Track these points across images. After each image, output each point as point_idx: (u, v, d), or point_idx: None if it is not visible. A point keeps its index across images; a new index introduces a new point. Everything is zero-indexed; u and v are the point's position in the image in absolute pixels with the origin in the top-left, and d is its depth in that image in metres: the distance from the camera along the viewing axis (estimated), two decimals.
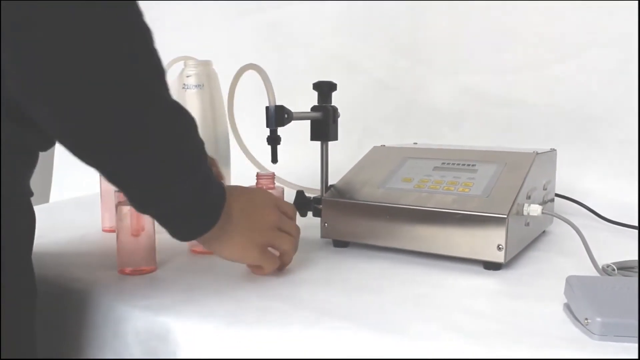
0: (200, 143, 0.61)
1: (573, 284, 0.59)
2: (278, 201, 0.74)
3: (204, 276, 0.73)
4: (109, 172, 0.55)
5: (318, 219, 0.88)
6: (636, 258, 0.78)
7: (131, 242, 0.73)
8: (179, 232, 0.62)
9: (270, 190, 0.83)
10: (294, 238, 0.73)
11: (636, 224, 1.01)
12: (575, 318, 0.57)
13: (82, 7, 0.46)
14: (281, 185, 0.86)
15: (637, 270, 0.75)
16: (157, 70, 0.54)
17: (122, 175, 0.55)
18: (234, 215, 0.66)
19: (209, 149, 1.08)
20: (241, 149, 1.01)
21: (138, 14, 0.50)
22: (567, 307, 0.60)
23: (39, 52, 0.45)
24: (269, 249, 0.71)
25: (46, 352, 0.72)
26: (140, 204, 0.59)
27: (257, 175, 0.85)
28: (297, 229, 0.75)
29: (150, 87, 0.53)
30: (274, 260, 0.72)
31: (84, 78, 0.47)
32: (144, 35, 0.51)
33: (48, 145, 0.62)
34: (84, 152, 0.52)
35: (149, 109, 0.52)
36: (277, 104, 0.83)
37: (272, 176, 0.85)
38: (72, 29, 0.46)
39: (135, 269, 0.74)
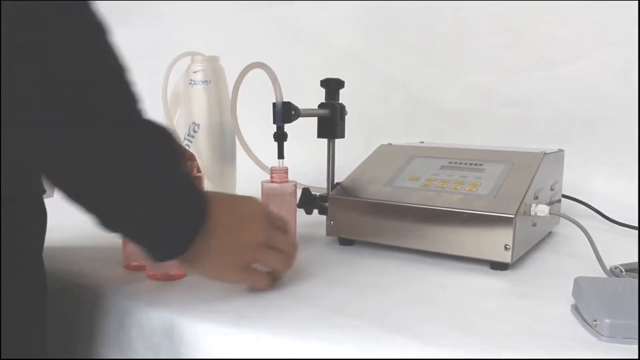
0: (172, 155, 0.55)
1: (582, 285, 0.59)
2: (269, 214, 0.66)
3: None
4: (62, 188, 0.50)
5: (324, 217, 0.88)
6: None
7: None
8: (152, 253, 0.56)
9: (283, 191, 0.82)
10: (285, 256, 0.66)
11: None
12: (583, 319, 0.56)
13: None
14: (294, 180, 0.84)
15: None
16: (107, 81, 0.49)
17: (77, 194, 0.51)
18: (217, 232, 0.59)
19: (215, 144, 1.10)
20: (242, 147, 1.01)
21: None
22: (575, 308, 0.59)
23: None
24: (258, 265, 0.65)
25: (50, 346, 0.72)
26: (107, 225, 0.53)
27: (271, 169, 0.84)
28: (293, 244, 0.68)
29: (113, 105, 0.49)
30: (261, 278, 0.65)
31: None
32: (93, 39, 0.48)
33: None
34: (41, 168, 0.49)
35: (101, 124, 0.48)
36: (284, 100, 0.83)
37: (286, 170, 0.84)
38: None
39: (164, 274, 0.70)
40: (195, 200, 0.57)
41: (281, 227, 0.67)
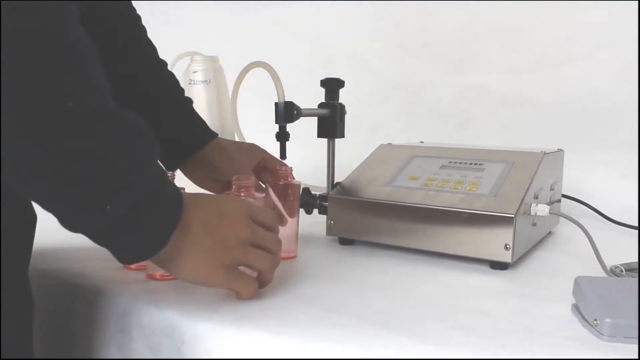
0: (141, 149, 0.50)
1: (582, 285, 0.59)
2: (252, 210, 0.60)
3: None
4: (23, 189, 0.48)
5: (324, 217, 0.88)
6: None
7: None
8: (120, 255, 0.53)
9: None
10: (271, 255, 0.61)
11: None
12: (583, 319, 0.56)
13: None
14: (298, 180, 0.84)
15: None
16: (71, 71, 0.45)
17: (32, 189, 0.47)
18: (193, 230, 0.55)
19: None
20: None
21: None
22: (576, 308, 0.59)
23: None
24: (244, 268, 0.60)
25: (49, 345, 0.72)
26: (67, 224, 0.49)
27: (276, 169, 0.83)
28: (277, 242, 0.62)
29: (60, 91, 0.45)
30: (249, 281, 0.61)
31: None
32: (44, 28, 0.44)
33: None
34: None
35: (61, 117, 0.45)
36: (286, 100, 0.83)
37: (290, 170, 0.82)
38: None
39: (164, 274, 0.69)
40: (166, 197, 0.53)
41: (266, 223, 0.61)
